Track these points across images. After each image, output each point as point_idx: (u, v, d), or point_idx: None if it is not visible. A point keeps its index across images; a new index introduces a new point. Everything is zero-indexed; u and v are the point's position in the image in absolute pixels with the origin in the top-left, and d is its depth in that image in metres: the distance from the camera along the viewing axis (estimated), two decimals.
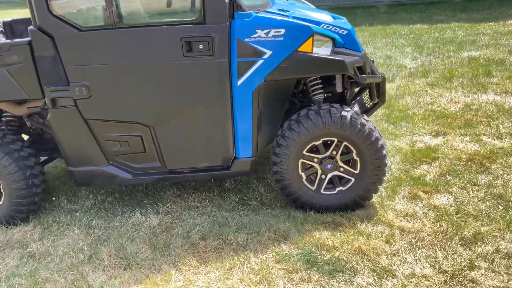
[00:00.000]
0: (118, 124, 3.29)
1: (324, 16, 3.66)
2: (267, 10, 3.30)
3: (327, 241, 3.03)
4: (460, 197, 3.44)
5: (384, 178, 3.33)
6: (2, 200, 3.48)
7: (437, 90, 5.81)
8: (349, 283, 2.67)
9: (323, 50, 3.22)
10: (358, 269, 2.77)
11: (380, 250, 2.90)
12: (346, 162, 3.33)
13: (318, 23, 3.34)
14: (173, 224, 3.40)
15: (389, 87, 6.05)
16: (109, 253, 3.12)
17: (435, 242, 2.95)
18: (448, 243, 2.92)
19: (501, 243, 2.88)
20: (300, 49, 3.10)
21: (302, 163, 3.32)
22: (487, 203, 3.33)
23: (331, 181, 3.38)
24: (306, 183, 3.37)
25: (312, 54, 3.12)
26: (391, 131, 4.69)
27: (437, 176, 3.74)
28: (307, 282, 2.71)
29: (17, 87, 3.24)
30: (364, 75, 3.23)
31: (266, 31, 3.04)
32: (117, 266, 3.00)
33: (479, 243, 2.90)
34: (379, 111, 5.21)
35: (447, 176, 3.74)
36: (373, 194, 3.38)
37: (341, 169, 3.34)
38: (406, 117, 4.99)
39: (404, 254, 2.87)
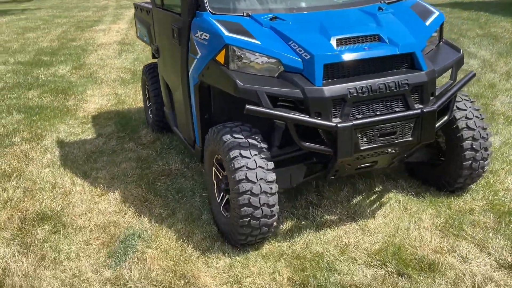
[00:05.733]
0: None
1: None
2: (253, 14, 3.19)
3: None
4: None
5: (242, 230, 2.88)
6: None
7: None
8: None
9: (255, 67, 2.94)
10: None
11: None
12: None
13: (286, 39, 2.97)
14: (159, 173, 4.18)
15: None
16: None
17: None
18: None
19: None
20: (217, 58, 3.00)
21: (214, 171, 3.27)
22: None
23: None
24: (215, 191, 3.31)
25: (221, 67, 2.95)
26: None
27: None
28: None
29: None
30: (247, 105, 2.75)
31: (201, 33, 3.14)
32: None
33: None
34: None
35: None
36: (236, 240, 2.99)
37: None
38: None
39: None
